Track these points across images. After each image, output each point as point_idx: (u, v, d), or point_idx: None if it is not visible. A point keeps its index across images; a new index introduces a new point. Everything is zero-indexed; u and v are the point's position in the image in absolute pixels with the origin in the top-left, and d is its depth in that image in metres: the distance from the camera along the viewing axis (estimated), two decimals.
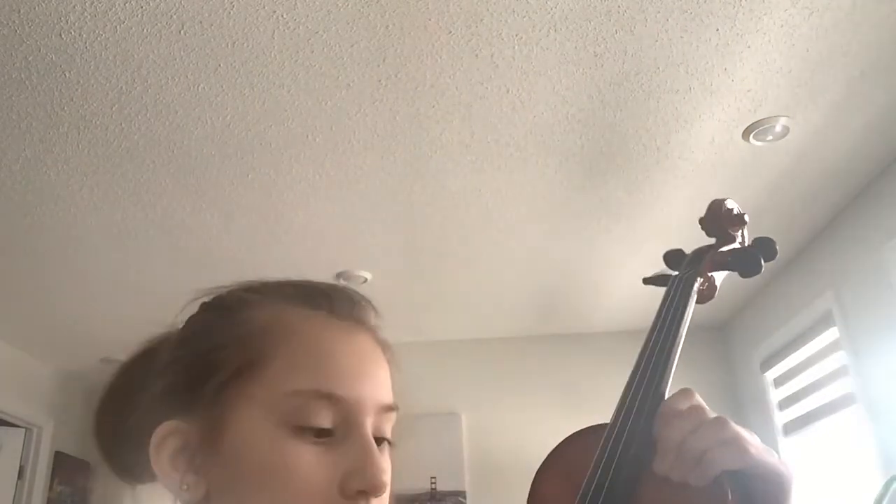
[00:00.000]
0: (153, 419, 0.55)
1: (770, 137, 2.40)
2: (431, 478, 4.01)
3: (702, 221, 0.89)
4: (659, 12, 1.86)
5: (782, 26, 1.92)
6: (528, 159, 2.49)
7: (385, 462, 0.55)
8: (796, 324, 3.32)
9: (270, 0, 1.78)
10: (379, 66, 2.02)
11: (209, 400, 0.54)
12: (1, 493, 3.88)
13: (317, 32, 1.89)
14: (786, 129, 2.36)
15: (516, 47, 1.97)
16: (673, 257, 0.89)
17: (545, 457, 0.75)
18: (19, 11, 1.77)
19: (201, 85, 2.06)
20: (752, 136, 2.38)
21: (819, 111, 2.29)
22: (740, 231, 0.88)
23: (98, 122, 2.20)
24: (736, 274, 0.85)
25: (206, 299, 0.60)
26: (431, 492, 4.01)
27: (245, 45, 1.92)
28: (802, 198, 2.83)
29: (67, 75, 2.00)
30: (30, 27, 1.82)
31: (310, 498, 0.50)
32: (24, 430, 4.05)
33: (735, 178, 2.66)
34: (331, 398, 0.53)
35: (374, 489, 0.52)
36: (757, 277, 3.57)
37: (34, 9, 1.76)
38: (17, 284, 3.26)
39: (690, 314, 0.80)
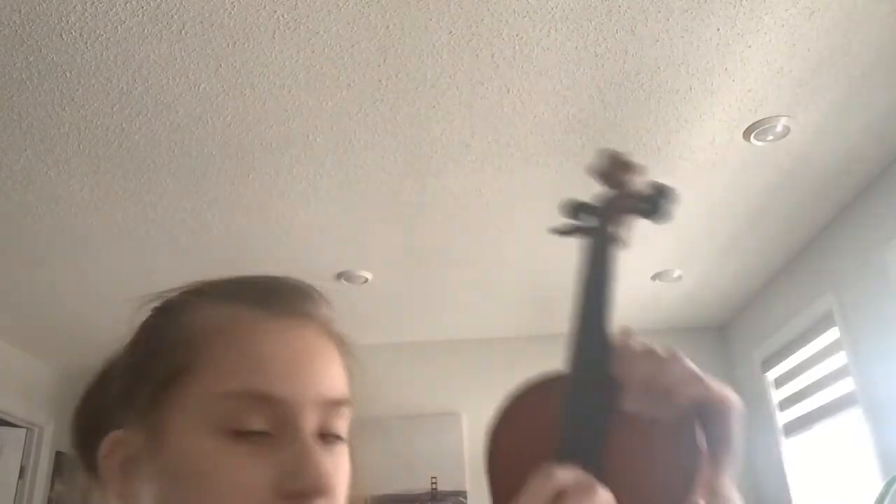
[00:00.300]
0: (108, 428, 0.55)
1: (771, 137, 2.40)
2: (432, 478, 4.01)
3: (593, 170, 0.87)
4: (660, 12, 1.86)
5: (783, 26, 1.92)
6: (528, 159, 2.49)
7: (331, 461, 0.52)
8: (797, 324, 3.32)
9: (271, 0, 1.78)
10: (379, 66, 2.02)
11: (148, 407, 0.53)
12: (2, 493, 3.88)
13: (317, 32, 1.89)
14: (786, 129, 2.36)
15: (517, 47, 1.97)
16: (574, 208, 0.87)
17: (499, 413, 0.72)
18: (20, 11, 1.77)
19: (202, 85, 2.06)
20: (752, 136, 2.38)
21: (820, 111, 2.29)
22: (635, 178, 0.87)
23: (98, 123, 2.20)
24: (648, 222, 0.84)
25: (156, 303, 0.59)
26: (432, 492, 4.01)
27: (246, 45, 1.92)
28: (803, 198, 2.83)
29: (68, 75, 2.00)
30: (30, 27, 1.82)
31: (243, 502, 0.49)
32: (24, 430, 4.06)
33: (736, 179, 2.66)
34: (263, 398, 0.51)
35: (311, 490, 0.49)
36: (757, 277, 3.58)
37: (35, 9, 1.77)
38: (17, 284, 3.26)
39: (617, 260, 0.79)
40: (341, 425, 0.55)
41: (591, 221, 0.85)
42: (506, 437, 0.71)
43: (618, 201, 0.85)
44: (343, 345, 0.59)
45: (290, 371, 0.52)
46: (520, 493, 0.56)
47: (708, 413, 0.64)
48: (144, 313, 0.59)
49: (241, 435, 0.50)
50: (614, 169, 0.87)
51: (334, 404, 0.54)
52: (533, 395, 0.73)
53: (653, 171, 2.98)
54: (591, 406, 0.66)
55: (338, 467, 0.53)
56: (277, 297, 0.56)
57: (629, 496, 0.61)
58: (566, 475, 0.44)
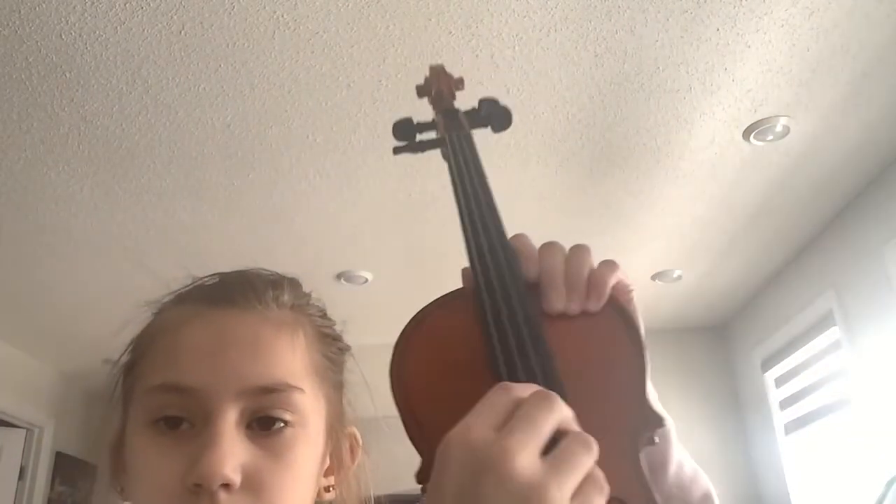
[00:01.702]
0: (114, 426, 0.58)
1: (770, 137, 2.40)
2: None
3: (422, 89, 0.89)
4: (659, 12, 1.86)
5: (783, 26, 1.92)
6: (528, 159, 2.49)
7: (262, 451, 0.51)
8: (797, 324, 3.32)
9: (271, 1, 1.78)
10: (379, 66, 2.02)
11: (119, 404, 0.57)
12: (2, 493, 3.88)
13: (317, 33, 1.89)
14: (786, 129, 2.36)
15: (516, 47, 1.97)
16: (405, 125, 0.89)
17: (399, 341, 0.60)
18: (20, 12, 1.77)
19: (202, 85, 2.06)
20: (752, 135, 2.38)
21: (819, 111, 2.29)
22: (456, 93, 0.88)
23: (98, 123, 2.20)
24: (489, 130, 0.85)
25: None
26: None
27: (245, 45, 1.92)
28: (803, 197, 2.83)
29: (68, 76, 2.00)
30: (30, 28, 1.82)
31: (157, 493, 0.49)
32: (24, 430, 4.05)
33: (735, 178, 2.65)
34: (178, 390, 0.51)
35: (206, 481, 0.47)
36: (757, 277, 3.57)
37: (35, 9, 1.76)
38: (17, 285, 3.26)
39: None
40: (281, 412, 0.52)
41: (433, 135, 0.83)
42: (416, 363, 0.59)
43: (460, 113, 0.84)
44: (311, 333, 0.58)
45: (204, 360, 0.52)
46: (466, 412, 0.42)
47: (620, 293, 0.58)
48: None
49: (159, 426, 0.51)
50: (443, 84, 0.89)
51: (265, 391, 0.52)
52: (434, 314, 0.63)
53: (653, 170, 2.97)
54: (515, 311, 0.56)
55: (276, 458, 0.51)
56: (222, 291, 0.57)
57: (590, 399, 0.52)
58: (523, 386, 0.40)
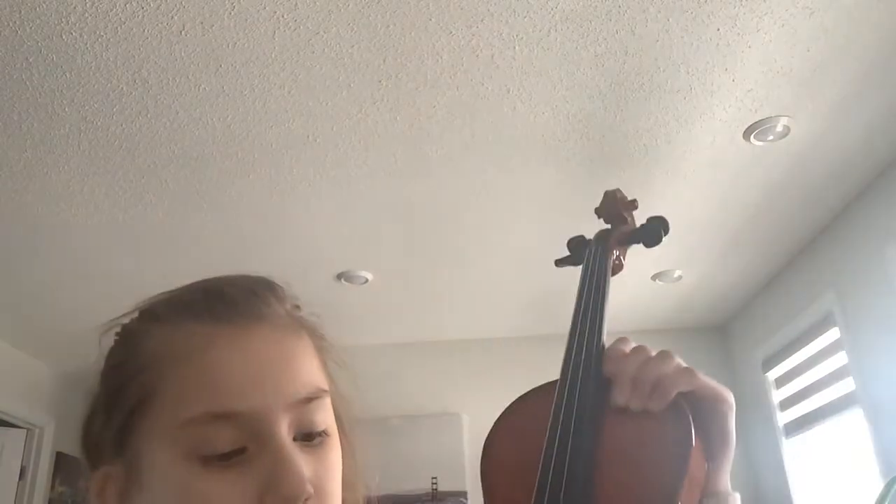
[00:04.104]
0: (99, 462, 0.53)
1: (771, 137, 2.40)
2: (432, 478, 4.01)
3: (598, 210, 1.05)
4: (660, 12, 1.86)
5: (783, 26, 1.92)
6: (528, 159, 2.49)
7: (316, 461, 0.51)
8: (798, 324, 3.32)
9: (271, 1, 1.78)
10: (379, 66, 2.02)
11: (123, 440, 0.52)
12: (2, 493, 3.88)
13: (317, 33, 1.89)
14: (787, 129, 2.36)
15: (517, 47, 1.97)
16: (576, 241, 1.03)
17: (495, 422, 0.76)
18: (20, 12, 1.77)
19: (202, 85, 2.06)
20: (752, 136, 2.38)
21: (820, 111, 2.29)
22: (632, 213, 1.02)
23: (99, 123, 2.20)
24: (643, 246, 0.98)
25: (118, 329, 0.58)
26: (433, 492, 4.01)
27: (246, 45, 1.92)
28: (803, 198, 2.83)
29: (68, 76, 2.00)
30: (31, 28, 1.82)
31: None
32: (25, 430, 4.06)
33: (736, 179, 2.65)
34: (227, 417, 0.49)
35: (293, 499, 0.47)
36: (757, 277, 3.57)
37: (35, 9, 1.77)
38: (18, 285, 3.26)
39: (610, 282, 0.88)
40: (321, 418, 0.52)
41: (594, 247, 0.94)
42: (500, 440, 0.74)
43: (619, 234, 0.96)
44: (303, 334, 0.56)
45: (250, 380, 0.50)
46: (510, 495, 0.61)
47: (701, 407, 0.64)
48: (110, 340, 0.57)
49: (211, 458, 0.48)
50: (617, 205, 0.96)
51: (307, 401, 0.52)
52: (530, 399, 0.76)
53: (653, 170, 2.98)
54: (580, 405, 0.68)
55: (325, 465, 0.52)
56: (225, 305, 0.54)
57: (621, 487, 0.62)
58: None
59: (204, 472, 0.48)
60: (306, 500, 0.48)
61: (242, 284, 0.56)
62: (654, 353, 0.66)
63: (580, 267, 0.91)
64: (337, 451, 0.54)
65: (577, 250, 0.98)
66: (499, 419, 0.76)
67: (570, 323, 0.80)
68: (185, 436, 0.49)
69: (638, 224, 0.98)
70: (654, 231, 0.95)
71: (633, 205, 1.01)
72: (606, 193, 1.04)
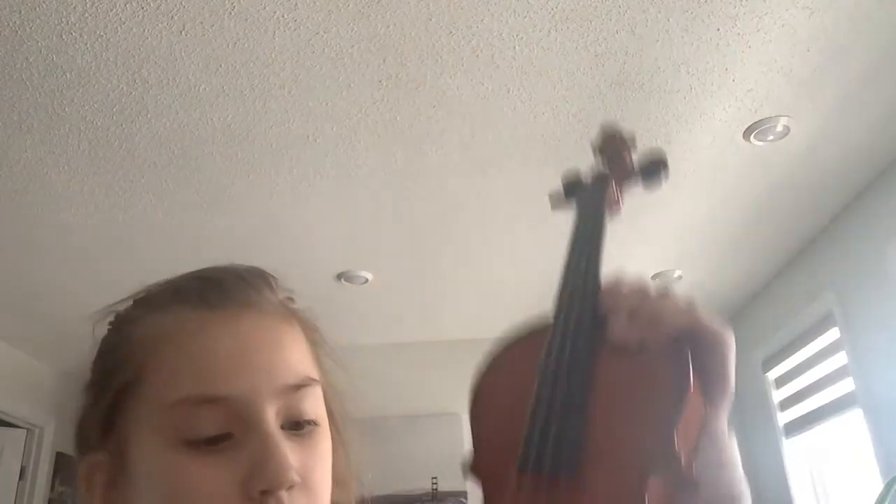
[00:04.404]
0: (83, 451, 0.53)
1: (771, 137, 2.40)
2: (433, 478, 4.02)
3: (595, 148, 0.97)
4: (660, 12, 1.86)
5: (783, 26, 1.92)
6: (528, 159, 2.49)
7: (304, 448, 0.50)
8: (797, 324, 3.31)
9: (271, 1, 1.78)
10: (379, 66, 2.02)
11: (108, 426, 0.52)
12: (2, 493, 3.88)
13: (317, 33, 1.89)
14: (787, 129, 2.36)
15: (517, 47, 1.97)
16: (572, 180, 0.96)
17: (485, 360, 0.73)
18: (20, 12, 1.77)
19: (202, 85, 2.06)
20: (752, 136, 2.38)
21: (820, 111, 2.29)
22: (631, 153, 0.97)
23: (99, 123, 2.20)
24: (640, 187, 0.94)
25: (111, 317, 0.58)
26: (433, 492, 4.01)
27: (246, 45, 1.92)
28: (803, 198, 2.83)
29: (68, 76, 2.00)
30: (31, 28, 1.82)
31: None
32: (25, 430, 4.06)
33: (736, 179, 2.65)
34: (213, 401, 0.48)
35: (276, 486, 0.47)
36: (757, 277, 3.57)
37: (35, 9, 1.77)
38: (17, 284, 3.26)
39: (607, 223, 0.83)
40: (310, 408, 0.52)
41: (585, 189, 0.90)
42: (489, 384, 0.71)
43: (611, 173, 0.91)
44: (294, 322, 0.56)
45: (238, 365, 0.50)
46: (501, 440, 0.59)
47: (699, 345, 0.62)
48: (104, 328, 0.57)
49: (197, 442, 0.48)
50: (611, 144, 0.93)
51: (295, 388, 0.51)
52: (520, 341, 0.73)
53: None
54: (574, 341, 0.65)
55: (313, 455, 0.51)
56: (218, 292, 0.54)
57: (615, 427, 0.60)
58: None
59: (188, 457, 0.48)
60: (290, 488, 0.48)
61: (235, 272, 0.56)
62: (654, 289, 0.64)
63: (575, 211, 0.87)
64: (326, 442, 0.53)
65: (571, 188, 0.93)
66: (487, 362, 0.72)
67: (563, 261, 0.76)
68: (170, 420, 0.49)
69: (637, 164, 0.93)
70: (654, 172, 0.90)
71: (632, 144, 0.96)
72: (604, 129, 0.98)
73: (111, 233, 2.85)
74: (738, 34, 1.94)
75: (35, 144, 2.29)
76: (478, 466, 0.69)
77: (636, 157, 0.94)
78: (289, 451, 0.49)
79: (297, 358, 0.53)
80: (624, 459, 0.58)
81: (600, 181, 0.90)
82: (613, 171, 0.92)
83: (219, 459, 0.48)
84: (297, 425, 0.51)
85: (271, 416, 0.49)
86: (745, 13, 1.87)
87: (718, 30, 1.92)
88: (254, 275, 0.57)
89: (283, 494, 0.47)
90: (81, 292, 3.34)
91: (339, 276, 3.33)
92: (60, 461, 4.14)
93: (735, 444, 0.65)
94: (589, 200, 0.85)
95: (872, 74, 2.13)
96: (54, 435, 4.13)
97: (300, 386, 0.52)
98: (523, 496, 0.60)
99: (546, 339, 0.68)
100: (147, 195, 2.61)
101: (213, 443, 0.48)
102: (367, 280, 3.37)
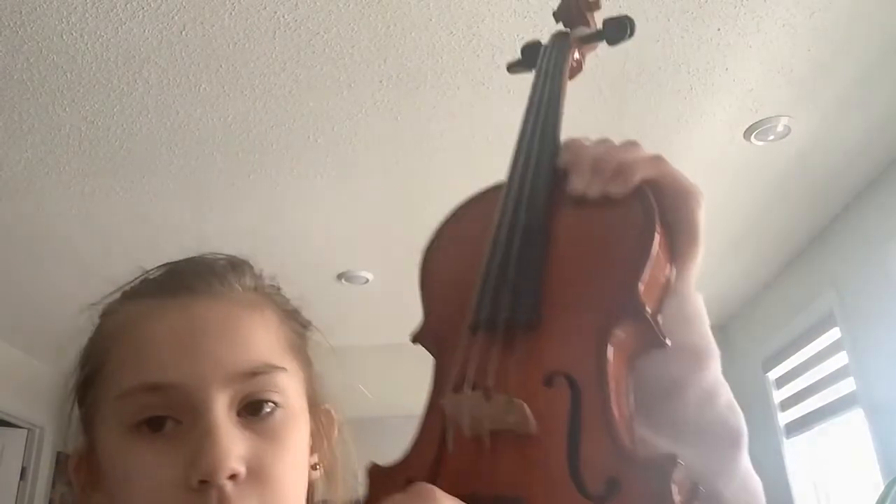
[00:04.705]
0: (73, 444, 0.55)
1: (771, 137, 2.40)
2: None
3: (556, 13, 0.92)
4: (660, 12, 1.86)
5: (783, 26, 1.91)
6: None
7: (259, 436, 0.49)
8: (798, 324, 3.31)
9: (272, 1, 1.78)
10: (380, 66, 2.01)
11: (82, 417, 0.53)
12: (3, 494, 3.88)
13: (318, 33, 1.89)
14: (787, 129, 2.36)
15: (517, 47, 1.96)
16: (531, 46, 0.91)
17: (437, 226, 0.68)
18: (21, 12, 1.77)
19: (202, 86, 2.06)
20: (753, 135, 2.38)
21: (820, 111, 2.29)
22: (594, 14, 0.91)
23: (99, 123, 2.20)
24: (604, 44, 0.87)
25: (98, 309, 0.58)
26: None
27: (246, 45, 1.92)
28: (804, 198, 2.83)
29: (68, 76, 2.00)
30: (31, 28, 1.82)
31: (155, 497, 0.46)
32: (25, 430, 4.06)
33: (736, 178, 2.65)
34: (156, 389, 0.48)
35: (212, 476, 0.45)
36: (757, 277, 3.56)
37: (35, 10, 1.77)
38: (18, 285, 3.26)
39: (567, 83, 0.78)
40: (271, 393, 0.50)
41: (543, 52, 0.85)
42: (439, 248, 0.69)
43: (570, 33, 0.86)
44: (277, 311, 0.55)
45: (179, 352, 0.49)
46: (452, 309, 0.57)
47: (666, 195, 0.59)
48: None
49: (143, 430, 0.48)
50: (572, 6, 0.89)
51: (251, 375, 0.50)
52: (470, 203, 0.70)
53: None
54: (532, 195, 0.61)
55: (272, 443, 0.49)
56: (178, 281, 0.54)
57: (578, 278, 0.56)
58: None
59: (136, 444, 0.48)
60: (234, 478, 0.46)
61: (203, 262, 0.57)
62: (618, 142, 0.60)
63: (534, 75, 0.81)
64: (294, 431, 0.52)
65: (531, 53, 0.87)
66: (439, 227, 0.69)
67: (520, 126, 0.72)
68: (120, 408, 0.49)
69: (600, 22, 0.86)
70: (618, 28, 0.83)
71: (595, 5, 0.90)
72: None
73: (111, 233, 2.85)
74: (739, 34, 1.94)
75: (35, 144, 2.29)
76: (427, 332, 0.65)
77: (598, 15, 0.89)
78: (236, 439, 0.47)
79: (256, 344, 0.52)
80: (585, 312, 0.54)
81: (559, 39, 0.85)
82: (573, 29, 0.86)
83: (164, 446, 0.47)
84: (254, 409, 0.50)
85: (219, 403, 0.48)
86: (745, 13, 1.87)
87: (718, 30, 1.92)
88: (222, 263, 0.57)
89: (227, 485, 0.45)
90: (81, 292, 3.33)
91: (340, 276, 3.33)
92: (61, 461, 4.14)
93: (701, 300, 0.62)
94: (547, 60, 0.80)
95: (872, 74, 2.12)
96: (54, 435, 4.13)
97: (257, 373, 0.50)
98: (474, 354, 0.56)
99: (500, 198, 0.63)
100: (148, 195, 2.61)
101: (158, 429, 0.48)
102: (367, 280, 3.37)
